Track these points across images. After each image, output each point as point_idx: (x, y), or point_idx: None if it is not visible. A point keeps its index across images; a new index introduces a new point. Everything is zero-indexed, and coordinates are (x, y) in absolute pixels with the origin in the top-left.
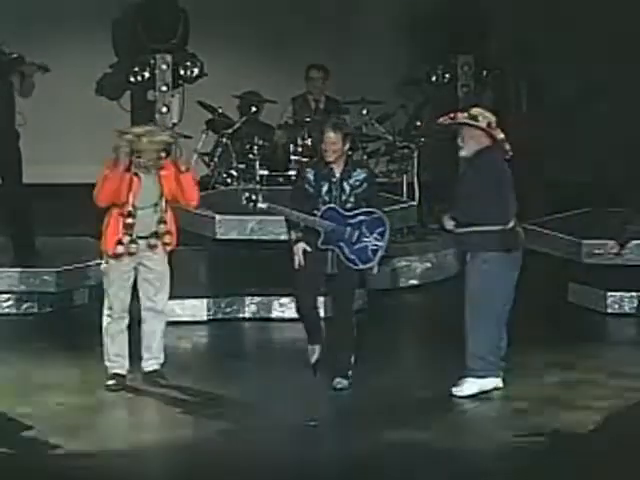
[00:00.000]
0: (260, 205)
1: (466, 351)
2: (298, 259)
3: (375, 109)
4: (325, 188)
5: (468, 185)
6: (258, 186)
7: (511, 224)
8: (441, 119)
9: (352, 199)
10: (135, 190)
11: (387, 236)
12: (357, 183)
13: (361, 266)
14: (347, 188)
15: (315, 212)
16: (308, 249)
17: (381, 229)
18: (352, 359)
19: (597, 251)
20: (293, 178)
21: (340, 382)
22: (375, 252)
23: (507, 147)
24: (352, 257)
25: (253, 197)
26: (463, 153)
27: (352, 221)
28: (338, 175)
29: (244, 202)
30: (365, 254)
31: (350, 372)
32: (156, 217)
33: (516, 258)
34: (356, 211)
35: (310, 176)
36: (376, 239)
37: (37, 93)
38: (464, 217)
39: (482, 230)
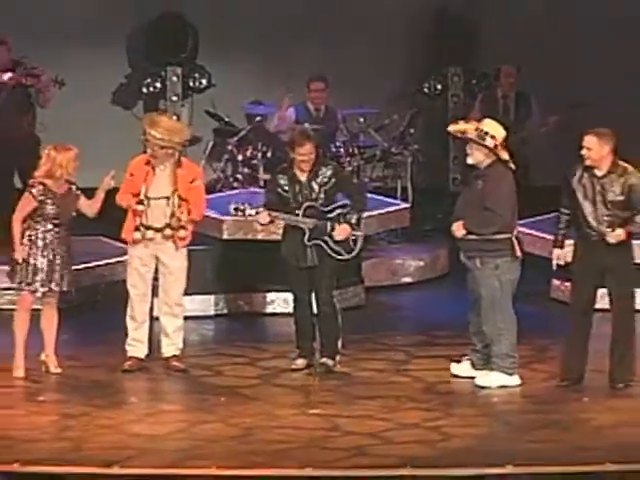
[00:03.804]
0: (248, 212)
1: (494, 352)
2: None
3: (372, 118)
4: (297, 189)
5: (480, 196)
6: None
7: (515, 232)
8: (452, 127)
9: (322, 195)
10: (148, 181)
11: (362, 225)
12: (325, 180)
13: (346, 256)
14: (315, 187)
15: (297, 212)
16: (267, 218)
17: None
18: (339, 343)
19: None
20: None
21: (327, 362)
22: (355, 242)
23: (511, 165)
24: (337, 249)
25: (241, 207)
26: (470, 161)
27: (331, 215)
28: (305, 176)
29: (232, 212)
30: (347, 245)
31: (338, 355)
32: (168, 210)
33: (519, 263)
34: (332, 206)
35: (283, 181)
36: (354, 229)
37: (58, 103)
38: (478, 227)
39: (494, 238)
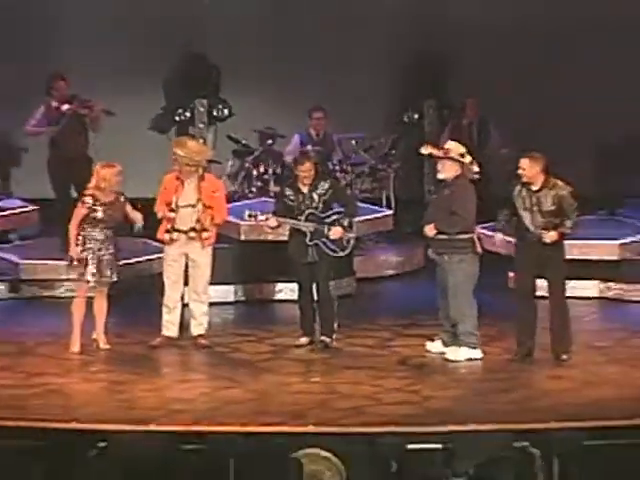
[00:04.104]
0: (260, 217)
1: (460, 331)
2: (271, 221)
3: (362, 141)
4: (300, 199)
5: (448, 202)
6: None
7: (476, 232)
8: (432, 151)
9: (321, 204)
10: (178, 193)
11: (354, 227)
12: (323, 192)
13: (340, 253)
14: (315, 197)
15: (300, 218)
16: (274, 223)
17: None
18: (335, 324)
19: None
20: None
21: (325, 339)
22: (348, 241)
23: (477, 177)
24: (333, 247)
25: (253, 213)
26: (441, 176)
27: (328, 220)
28: (307, 189)
29: (247, 217)
30: (342, 244)
31: (334, 334)
32: (194, 216)
33: (479, 259)
34: (329, 212)
35: (289, 192)
36: (347, 231)
37: (107, 129)
38: (447, 227)
39: (459, 237)
